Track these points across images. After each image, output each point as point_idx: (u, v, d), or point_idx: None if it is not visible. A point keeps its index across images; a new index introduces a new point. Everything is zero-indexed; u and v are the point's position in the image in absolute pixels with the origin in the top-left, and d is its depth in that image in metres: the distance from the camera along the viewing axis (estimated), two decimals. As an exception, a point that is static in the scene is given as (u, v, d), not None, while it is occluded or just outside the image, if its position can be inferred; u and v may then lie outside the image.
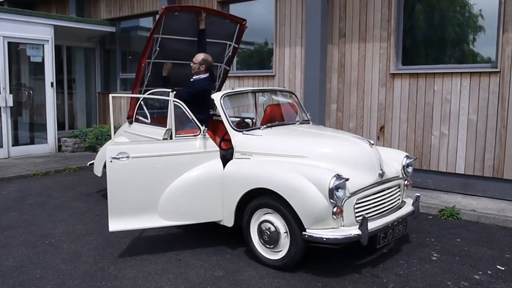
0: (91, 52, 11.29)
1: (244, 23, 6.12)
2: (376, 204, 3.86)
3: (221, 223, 4.17)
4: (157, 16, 5.78)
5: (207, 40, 5.72)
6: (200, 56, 5.10)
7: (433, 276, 3.68)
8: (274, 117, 4.85)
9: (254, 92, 5.25)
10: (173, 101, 4.21)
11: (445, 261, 4.00)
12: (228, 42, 6.21)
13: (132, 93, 5.53)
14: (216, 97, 4.56)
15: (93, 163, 6.22)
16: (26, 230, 4.80)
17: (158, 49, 5.41)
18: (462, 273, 3.75)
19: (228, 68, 6.46)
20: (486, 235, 4.68)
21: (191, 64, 5.13)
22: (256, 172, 3.91)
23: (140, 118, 5.49)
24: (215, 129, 5.30)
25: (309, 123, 5.11)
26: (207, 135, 4.27)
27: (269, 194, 3.73)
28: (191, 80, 5.12)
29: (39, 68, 9.31)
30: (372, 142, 4.06)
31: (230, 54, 6.31)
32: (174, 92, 4.31)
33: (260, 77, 7.89)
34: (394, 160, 4.29)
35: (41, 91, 9.29)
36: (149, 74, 5.55)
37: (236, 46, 6.28)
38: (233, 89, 4.90)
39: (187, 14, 5.58)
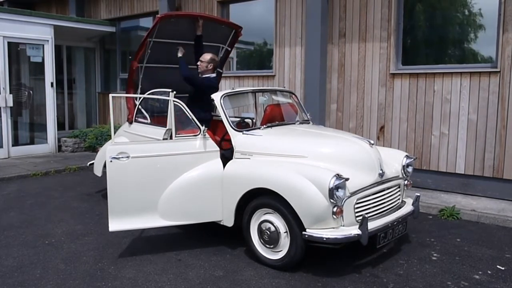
0: (91, 52, 11.29)
1: (239, 30, 6.14)
2: (376, 204, 3.85)
3: (221, 223, 4.17)
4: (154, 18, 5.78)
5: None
6: (208, 56, 5.13)
7: (433, 276, 3.68)
8: (274, 117, 4.85)
9: (254, 92, 5.25)
10: (173, 101, 4.21)
11: (445, 261, 4.00)
12: (221, 45, 6.23)
13: (127, 84, 5.57)
14: (216, 97, 4.56)
15: (93, 163, 6.22)
16: (26, 230, 4.80)
17: (149, 51, 5.42)
18: (462, 273, 3.75)
19: (221, 70, 6.48)
20: (486, 235, 4.68)
21: (198, 63, 5.15)
22: (256, 172, 3.91)
23: (140, 118, 5.49)
24: (215, 129, 5.31)
25: (309, 123, 5.11)
26: (207, 135, 4.28)
27: (269, 194, 3.73)
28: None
29: (39, 68, 9.31)
30: (372, 142, 4.06)
31: (222, 56, 6.34)
32: (174, 92, 4.31)
33: (260, 77, 7.89)
34: (394, 160, 4.29)
35: (41, 91, 9.29)
36: (141, 76, 5.56)
37: (229, 49, 6.31)
38: (233, 89, 4.90)
39: (183, 19, 5.58)
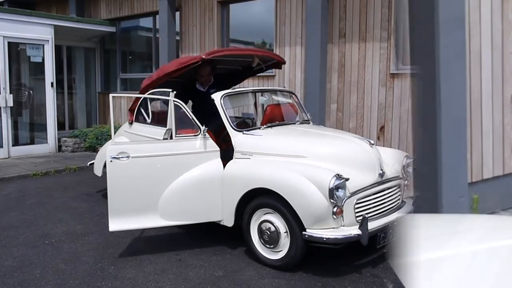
0: (91, 52, 11.28)
1: (282, 63, 6.02)
2: (376, 204, 3.85)
3: (221, 223, 4.17)
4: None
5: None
6: (206, 70, 5.19)
7: (433, 276, 3.68)
8: (274, 117, 4.85)
9: (254, 92, 5.25)
10: (173, 101, 4.21)
11: (445, 261, 3.99)
12: (259, 61, 5.86)
13: (139, 91, 5.52)
14: (216, 97, 4.56)
15: (93, 163, 6.22)
16: (26, 230, 4.80)
17: None
18: (462, 273, 3.74)
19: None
20: (486, 235, 4.67)
21: (198, 77, 5.23)
22: (256, 172, 3.91)
23: (141, 117, 5.49)
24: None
25: (309, 123, 5.11)
26: (207, 135, 4.28)
27: (269, 194, 3.73)
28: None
29: (39, 68, 9.30)
30: (372, 142, 4.06)
31: (254, 69, 5.96)
32: (174, 92, 4.31)
33: (260, 77, 7.88)
34: (394, 160, 4.29)
35: (41, 91, 9.28)
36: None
37: (264, 68, 6.08)
38: (233, 89, 4.90)
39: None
